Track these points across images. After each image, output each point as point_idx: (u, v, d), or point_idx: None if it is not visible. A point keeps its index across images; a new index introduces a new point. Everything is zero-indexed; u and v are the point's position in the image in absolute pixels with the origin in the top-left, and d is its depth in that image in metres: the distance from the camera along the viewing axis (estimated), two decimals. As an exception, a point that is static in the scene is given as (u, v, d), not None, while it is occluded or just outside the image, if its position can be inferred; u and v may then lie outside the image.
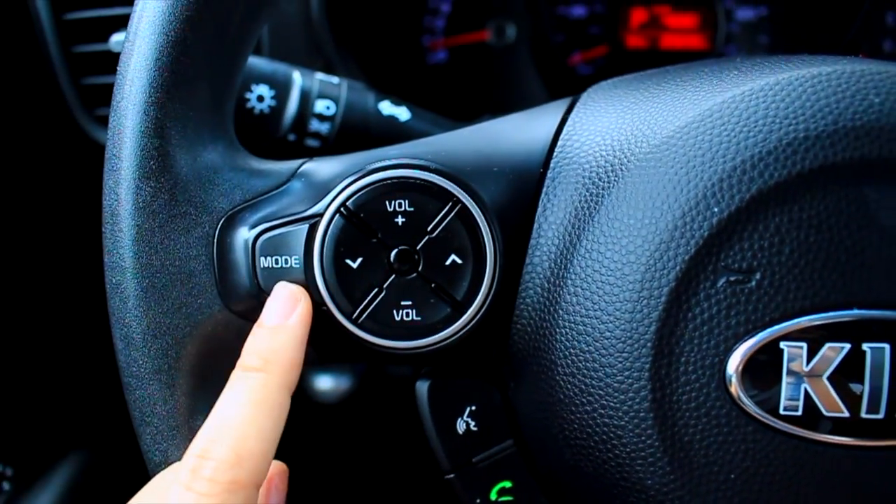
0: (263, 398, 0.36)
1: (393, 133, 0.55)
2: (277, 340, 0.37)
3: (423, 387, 0.41)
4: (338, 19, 0.74)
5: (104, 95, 0.40)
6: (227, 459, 0.34)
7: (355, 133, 0.55)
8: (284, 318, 0.38)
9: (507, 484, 0.42)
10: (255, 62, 0.54)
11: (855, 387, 0.34)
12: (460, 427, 0.41)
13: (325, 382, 0.69)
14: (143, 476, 0.41)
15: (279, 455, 0.38)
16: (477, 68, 0.85)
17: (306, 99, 0.54)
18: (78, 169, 0.68)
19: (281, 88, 0.54)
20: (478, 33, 0.85)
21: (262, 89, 0.53)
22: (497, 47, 0.85)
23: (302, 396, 0.66)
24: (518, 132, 0.41)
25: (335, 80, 0.56)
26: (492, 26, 0.84)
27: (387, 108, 0.56)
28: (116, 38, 0.59)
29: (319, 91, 0.55)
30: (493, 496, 0.41)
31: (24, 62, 0.67)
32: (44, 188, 0.71)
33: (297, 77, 0.55)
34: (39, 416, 0.77)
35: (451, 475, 0.41)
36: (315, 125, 0.54)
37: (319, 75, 0.56)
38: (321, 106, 0.54)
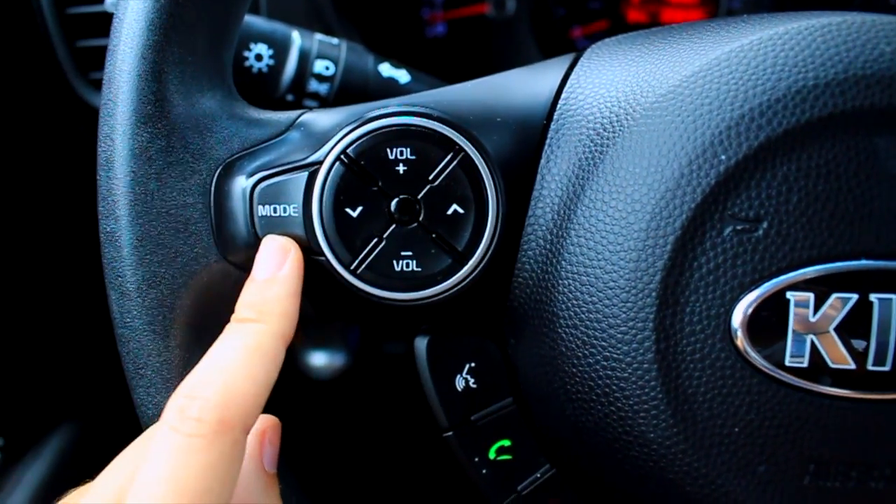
0: (257, 345, 0.35)
1: (392, 95, 0.54)
2: (270, 292, 0.36)
3: (421, 343, 0.40)
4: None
5: (99, 59, 0.39)
6: (216, 399, 0.32)
7: (354, 94, 0.54)
8: (275, 270, 0.37)
9: (507, 442, 0.41)
10: (254, 21, 0.54)
11: (861, 339, 0.33)
12: (459, 384, 0.41)
13: (319, 359, 0.69)
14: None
15: (288, 427, 0.37)
16: (476, 41, 0.84)
17: (305, 59, 0.54)
18: (73, 133, 0.67)
19: (279, 48, 0.53)
20: (477, 6, 0.84)
21: (261, 48, 0.53)
22: (497, 20, 0.84)
23: (297, 373, 0.65)
24: (522, 85, 0.40)
25: (335, 40, 0.55)
26: (492, -1, 0.84)
27: (386, 70, 0.55)
28: (112, -2, 0.58)
29: (318, 51, 0.54)
30: (491, 455, 0.41)
31: (17, 25, 0.66)
32: (38, 153, 0.70)
33: (297, 37, 0.54)
34: (31, 388, 0.77)
35: (450, 433, 0.41)
36: (314, 85, 0.54)
37: (319, 36, 0.55)
38: (320, 66, 0.54)
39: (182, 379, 0.37)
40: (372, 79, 0.55)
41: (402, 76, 0.56)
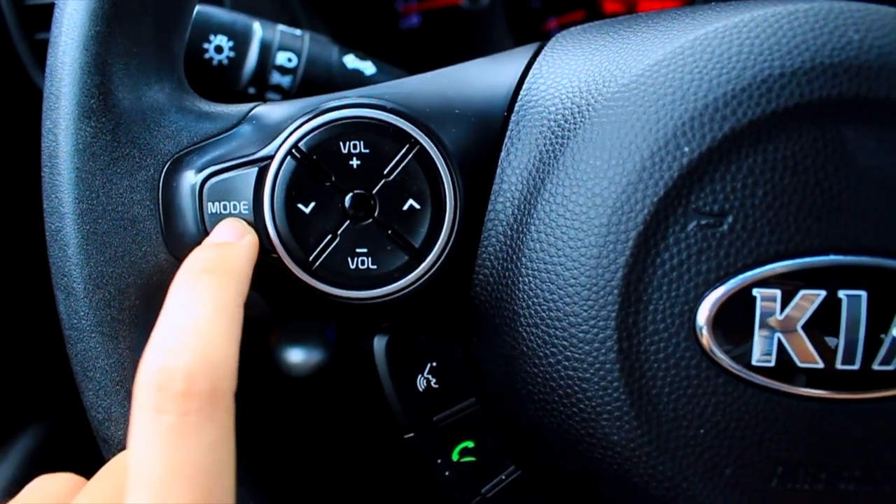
0: (219, 301, 0.30)
1: (357, 87, 0.53)
2: (226, 252, 0.33)
3: (380, 343, 0.39)
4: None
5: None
6: (200, 365, 0.28)
7: (318, 87, 0.53)
8: (235, 239, 0.35)
9: (470, 444, 0.40)
10: (214, 11, 0.52)
11: (830, 337, 0.32)
12: (420, 384, 0.39)
13: (295, 356, 0.67)
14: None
15: (250, 426, 0.36)
16: (450, 33, 0.83)
17: (267, 51, 0.52)
18: (31, 126, 0.65)
19: (240, 39, 0.52)
20: (451, -3, 0.82)
21: (221, 40, 0.51)
22: (471, 11, 0.82)
23: (272, 370, 0.64)
24: (482, 75, 0.39)
25: (297, 31, 0.54)
26: (466, -10, 0.82)
27: (351, 61, 0.54)
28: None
29: (280, 43, 0.53)
30: (455, 456, 0.40)
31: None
32: (-2, 147, 0.68)
33: (258, 28, 0.52)
34: (-2, 388, 0.75)
35: (411, 434, 0.39)
36: (276, 78, 0.52)
37: (281, 27, 0.53)
38: (282, 58, 0.52)
39: (132, 381, 0.36)
40: (336, 71, 0.53)
41: (368, 68, 0.54)
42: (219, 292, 0.31)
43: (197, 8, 0.49)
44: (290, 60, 0.52)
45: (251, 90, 0.52)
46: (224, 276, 0.32)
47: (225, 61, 0.51)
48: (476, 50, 0.84)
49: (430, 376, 0.39)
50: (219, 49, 0.51)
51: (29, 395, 0.78)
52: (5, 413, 0.77)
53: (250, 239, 0.35)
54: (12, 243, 0.72)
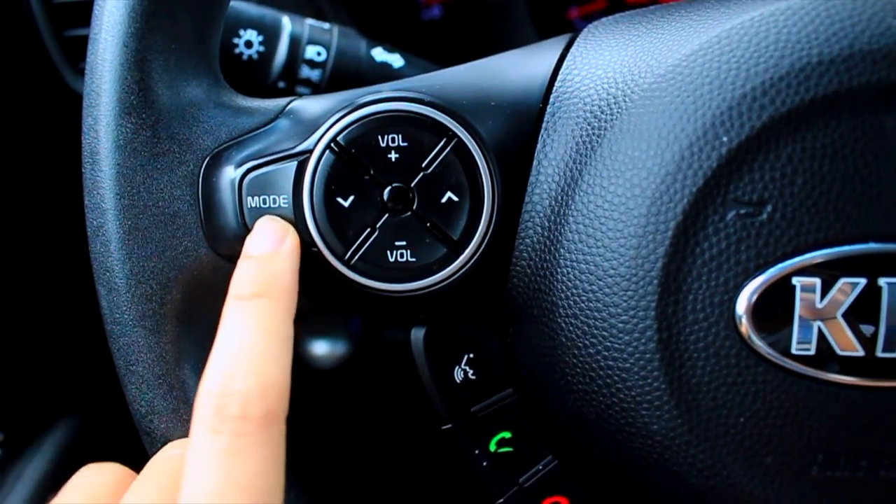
0: (271, 325, 0.33)
1: (386, 80, 0.52)
2: (271, 267, 0.35)
3: (418, 334, 0.39)
4: (329, -28, 0.72)
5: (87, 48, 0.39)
6: (255, 390, 0.30)
7: (347, 80, 0.53)
8: (275, 247, 0.35)
9: (507, 434, 0.40)
10: (243, 6, 0.52)
11: (870, 325, 0.32)
12: (458, 376, 0.40)
13: (320, 348, 0.68)
14: (135, 441, 0.39)
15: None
16: (472, 24, 0.83)
17: (296, 45, 0.52)
18: (62, 123, 0.66)
19: (270, 34, 0.52)
20: (473, -12, 0.82)
21: (251, 34, 0.52)
22: (493, 2, 0.82)
23: (297, 362, 0.65)
24: (517, 67, 0.39)
25: (326, 25, 0.54)
26: (488, -20, 0.82)
27: (380, 54, 0.54)
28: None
29: (310, 37, 0.53)
30: (492, 447, 0.40)
31: (4, 14, 0.65)
32: (27, 143, 0.69)
33: (287, 22, 0.53)
34: (31, 382, 0.76)
35: (449, 426, 0.40)
36: (305, 72, 0.52)
37: (310, 21, 0.54)
38: (311, 52, 0.52)
39: (174, 374, 0.36)
40: (365, 64, 0.54)
41: (396, 60, 0.55)
42: (269, 317, 0.33)
43: (227, 3, 0.49)
44: (319, 54, 0.53)
45: (281, 84, 0.53)
46: (272, 297, 0.34)
47: (255, 56, 0.52)
48: (498, 40, 0.84)
49: (467, 367, 0.40)
50: (249, 44, 0.52)
51: (61, 389, 0.79)
52: (39, 406, 0.78)
53: (291, 242, 0.36)
54: (36, 241, 0.73)
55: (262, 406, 0.30)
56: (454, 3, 0.83)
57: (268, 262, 0.35)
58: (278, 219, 0.36)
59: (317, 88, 0.53)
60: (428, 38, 0.84)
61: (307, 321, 0.65)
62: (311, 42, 0.53)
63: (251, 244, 0.36)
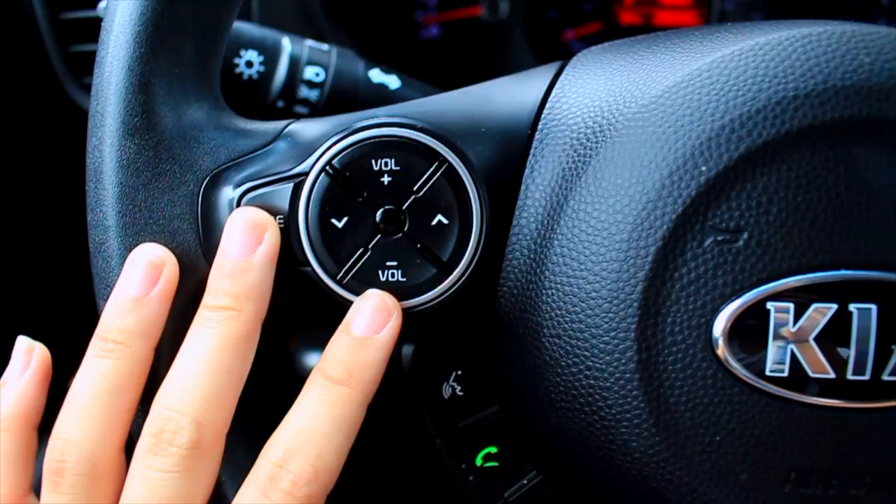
0: (343, 415, 0.36)
1: (382, 101, 0.55)
2: (364, 356, 0.37)
3: (408, 351, 0.41)
4: (330, -7, 0.73)
5: (92, 63, 0.39)
6: (306, 474, 0.35)
7: (344, 100, 0.54)
8: (374, 332, 0.37)
9: (493, 449, 0.41)
10: (244, 27, 0.54)
11: (842, 348, 0.34)
12: (446, 392, 0.41)
13: (315, 361, 0.69)
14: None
15: (269, 425, 0.37)
16: (470, 44, 0.85)
17: (295, 65, 0.54)
18: (66, 137, 0.67)
19: (270, 54, 0.53)
20: (471, 8, 0.84)
21: (251, 55, 0.53)
22: (490, 23, 0.84)
23: (292, 375, 0.66)
24: (507, 94, 0.40)
25: (325, 46, 0.56)
26: (485, 2, 0.84)
27: (377, 75, 0.56)
28: (104, 3, 0.58)
29: (309, 57, 0.54)
30: (478, 461, 0.41)
31: (10, 29, 0.66)
32: (31, 157, 0.70)
33: (287, 43, 0.54)
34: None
35: (437, 440, 0.41)
36: (304, 92, 0.54)
37: (309, 42, 0.55)
38: (310, 72, 0.54)
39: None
40: (362, 84, 0.55)
41: (393, 82, 0.56)
42: (344, 404, 0.37)
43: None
44: (317, 75, 0.54)
45: (280, 103, 0.54)
46: (353, 387, 0.37)
47: (255, 76, 0.53)
48: (495, 60, 0.85)
49: (455, 384, 0.41)
50: (249, 64, 0.53)
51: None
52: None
53: (393, 326, 0.37)
54: (39, 251, 0.74)
55: (307, 489, 0.35)
56: (452, 24, 0.85)
57: (362, 349, 0.37)
58: (385, 296, 0.38)
59: (315, 108, 0.54)
60: (426, 58, 0.85)
61: (303, 335, 0.66)
62: (310, 63, 0.54)
63: (354, 322, 0.37)
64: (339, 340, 0.37)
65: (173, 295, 0.37)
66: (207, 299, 0.37)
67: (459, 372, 0.41)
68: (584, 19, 0.84)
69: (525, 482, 0.42)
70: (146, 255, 0.37)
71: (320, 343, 0.65)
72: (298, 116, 0.53)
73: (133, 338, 0.36)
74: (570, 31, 0.84)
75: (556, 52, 0.84)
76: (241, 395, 0.37)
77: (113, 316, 0.37)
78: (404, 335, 0.41)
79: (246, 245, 0.37)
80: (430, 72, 0.79)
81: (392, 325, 0.37)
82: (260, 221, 0.37)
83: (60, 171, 0.68)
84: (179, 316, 0.38)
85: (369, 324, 0.37)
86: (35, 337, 0.41)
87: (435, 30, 0.85)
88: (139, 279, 0.36)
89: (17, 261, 0.72)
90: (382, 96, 0.56)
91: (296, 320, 0.57)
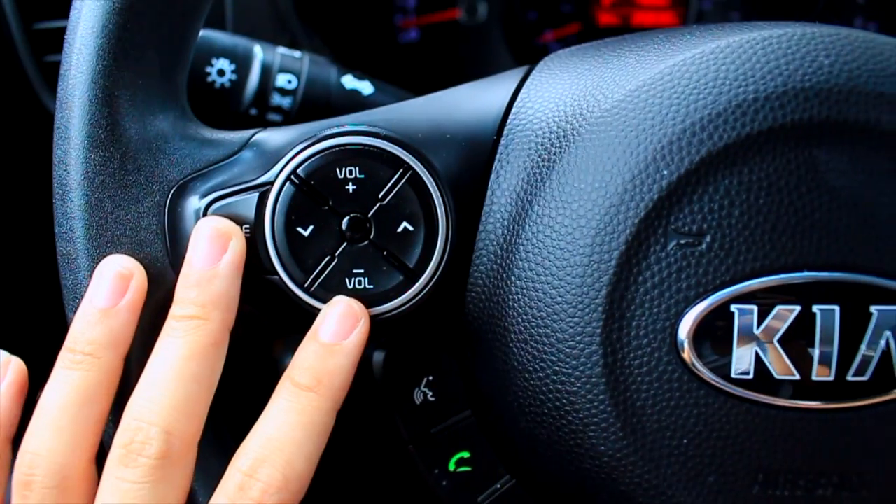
0: (313, 421, 0.36)
1: (355, 107, 0.55)
2: (332, 362, 0.37)
3: (379, 357, 0.41)
4: (306, -2, 0.73)
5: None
6: (276, 482, 0.35)
7: (317, 107, 0.54)
8: (342, 338, 0.37)
9: (466, 454, 0.41)
10: (216, 36, 0.54)
11: (805, 349, 0.34)
12: (417, 397, 0.41)
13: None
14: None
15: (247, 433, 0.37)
16: (448, 47, 0.85)
17: (267, 73, 0.54)
18: (41, 147, 0.67)
19: (241, 62, 0.53)
20: (449, 11, 0.84)
21: (223, 63, 0.53)
22: (469, 26, 0.84)
23: (271, 373, 0.66)
24: (472, 100, 0.40)
25: (297, 53, 0.56)
26: (463, 4, 0.84)
27: (349, 82, 0.56)
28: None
29: (281, 65, 0.54)
30: (451, 466, 0.41)
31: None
32: (5, 166, 0.70)
33: (258, 51, 0.54)
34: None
35: (409, 446, 0.41)
36: (276, 99, 0.54)
37: (281, 49, 0.55)
38: (282, 80, 0.54)
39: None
40: (335, 91, 0.55)
41: (366, 88, 0.56)
42: (313, 411, 0.37)
43: (200, 32, 0.50)
44: (290, 82, 0.54)
45: (253, 111, 0.54)
46: (322, 393, 0.37)
47: (227, 84, 0.53)
48: (474, 63, 0.85)
49: (426, 389, 0.41)
50: (221, 72, 0.53)
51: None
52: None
53: (361, 332, 0.37)
54: (13, 262, 0.74)
55: (277, 497, 0.35)
56: (431, 27, 0.85)
57: (330, 355, 0.37)
58: (353, 303, 0.38)
59: (288, 115, 0.54)
60: (405, 61, 0.85)
61: (287, 340, 0.66)
62: (283, 70, 0.54)
63: (321, 327, 0.37)
64: (307, 347, 0.37)
65: (142, 305, 0.37)
66: (174, 309, 0.37)
67: (431, 377, 0.41)
68: (562, 21, 0.84)
69: (498, 486, 0.42)
70: (114, 267, 0.37)
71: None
72: (272, 124, 0.54)
73: (102, 349, 0.36)
74: (548, 33, 0.85)
75: (535, 53, 0.84)
76: (214, 402, 0.37)
77: (81, 327, 0.36)
78: (374, 341, 0.41)
79: (211, 254, 0.37)
80: (409, 76, 0.79)
81: (359, 332, 0.37)
82: (225, 230, 0.37)
83: (34, 180, 0.68)
84: (148, 326, 0.38)
85: (337, 330, 0.37)
86: (4, 349, 0.41)
87: (414, 33, 0.85)
88: (107, 290, 0.36)
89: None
90: (356, 102, 0.56)
91: (279, 326, 0.57)
